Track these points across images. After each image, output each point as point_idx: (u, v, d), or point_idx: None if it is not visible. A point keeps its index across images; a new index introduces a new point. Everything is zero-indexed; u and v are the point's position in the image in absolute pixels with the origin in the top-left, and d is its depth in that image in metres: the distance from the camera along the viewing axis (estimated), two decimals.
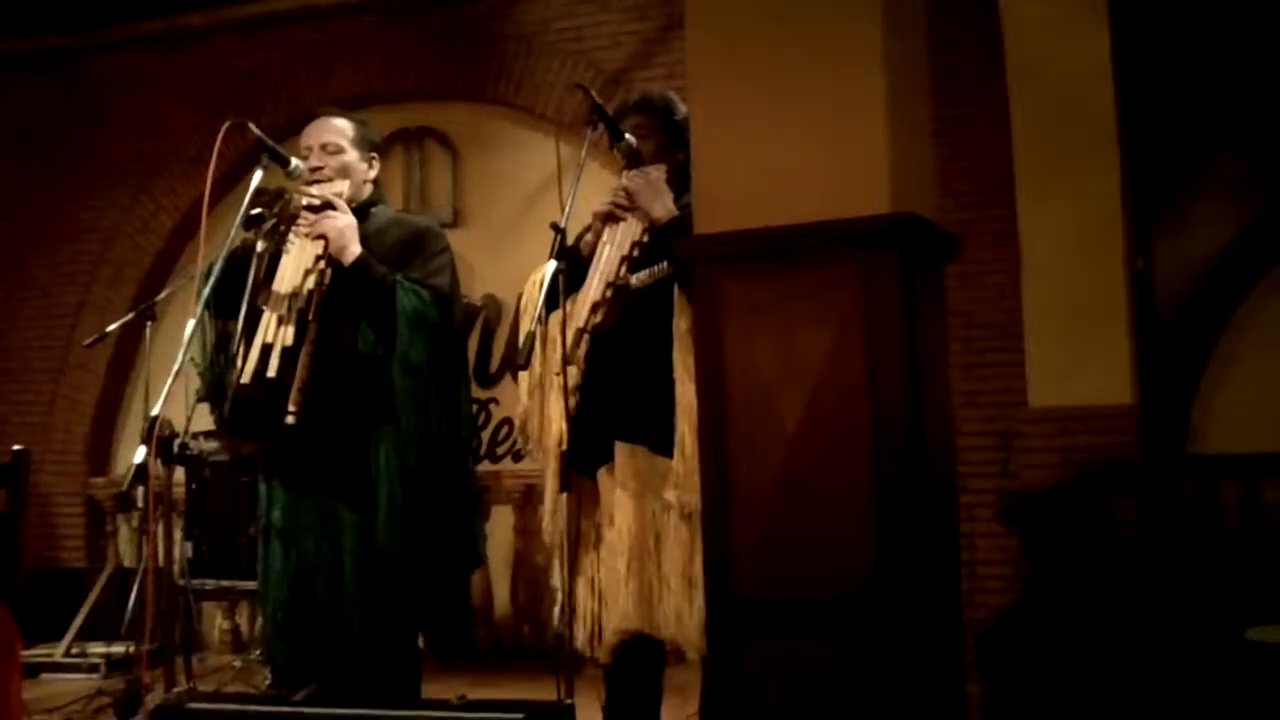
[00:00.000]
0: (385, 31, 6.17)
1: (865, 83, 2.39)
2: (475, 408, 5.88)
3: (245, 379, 3.29)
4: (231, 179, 4.73)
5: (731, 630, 2.53)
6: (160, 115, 6.31)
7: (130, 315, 5.17)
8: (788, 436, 2.35)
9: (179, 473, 5.31)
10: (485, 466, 5.81)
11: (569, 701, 2.30)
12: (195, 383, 3.54)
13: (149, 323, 4.67)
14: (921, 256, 2.47)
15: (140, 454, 3.08)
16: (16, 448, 4.27)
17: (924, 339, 2.43)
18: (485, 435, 5.91)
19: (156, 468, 3.21)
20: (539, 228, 4.24)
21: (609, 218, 3.61)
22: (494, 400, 5.99)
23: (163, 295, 4.84)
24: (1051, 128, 4.86)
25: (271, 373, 3.28)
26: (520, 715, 2.24)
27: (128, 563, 6.29)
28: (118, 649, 5.63)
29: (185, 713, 2.45)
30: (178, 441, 5.04)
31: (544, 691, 3.39)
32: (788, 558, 2.37)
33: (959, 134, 5.12)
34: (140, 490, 5.51)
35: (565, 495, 3.29)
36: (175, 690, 2.86)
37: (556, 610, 3.38)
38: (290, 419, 3.35)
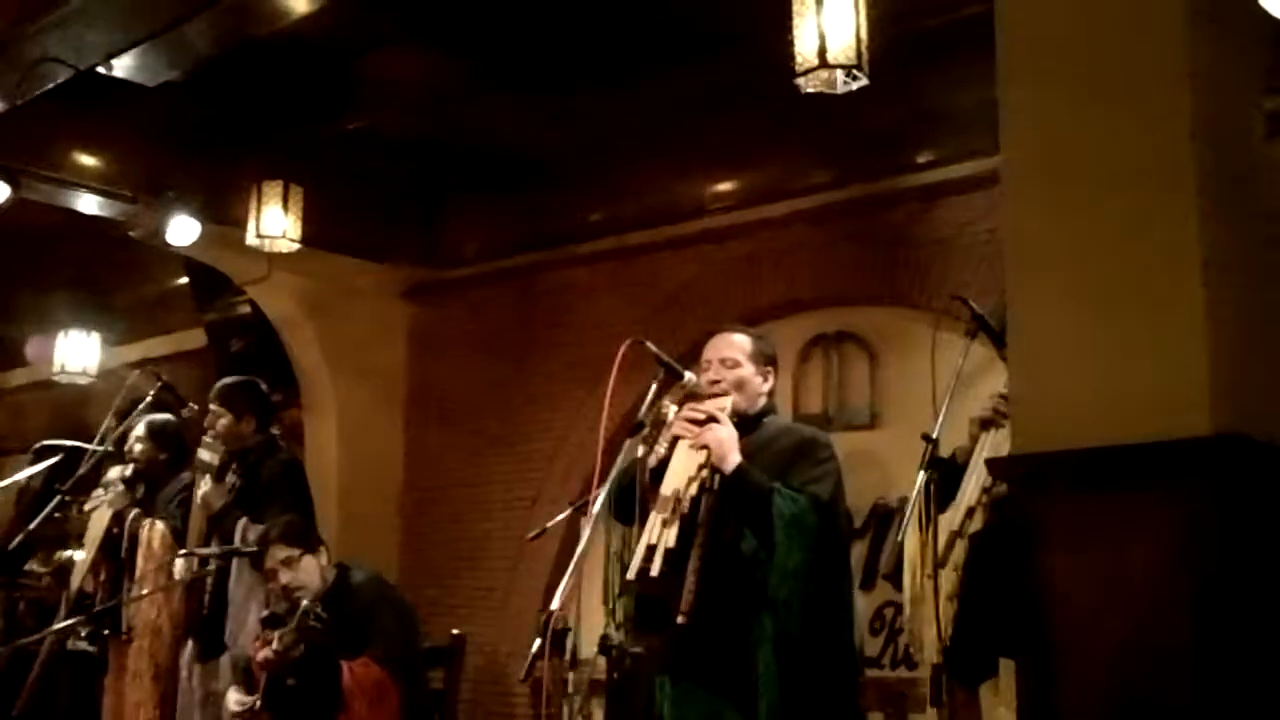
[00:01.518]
0: (810, 240, 6.41)
1: (1184, 297, 2.33)
2: (892, 611, 5.84)
3: (631, 574, 3.54)
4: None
5: None
6: (604, 324, 6.79)
7: (567, 513, 5.62)
8: (1111, 659, 2.26)
9: (601, 662, 5.64)
10: (901, 673, 5.72)
11: None
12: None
13: (582, 519, 5.06)
14: (1250, 481, 2.33)
15: (536, 645, 3.38)
16: (454, 632, 4.75)
17: (1253, 568, 2.28)
18: (901, 640, 5.82)
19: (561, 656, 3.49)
20: (956, 429, 4.28)
21: (986, 424, 3.65)
22: None
23: (593, 496, 5.21)
24: None
25: (654, 572, 3.50)
26: None
27: None
28: None
29: None
30: (601, 634, 5.39)
31: None
32: None
33: None
34: (570, 676, 5.93)
35: (936, 710, 3.28)
36: None
37: None
38: (681, 620, 3.56)
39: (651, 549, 3.49)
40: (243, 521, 4.82)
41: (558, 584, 6.94)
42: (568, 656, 5.87)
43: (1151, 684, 2.23)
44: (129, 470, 5.32)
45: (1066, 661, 2.32)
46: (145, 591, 4.97)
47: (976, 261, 5.87)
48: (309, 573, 4.25)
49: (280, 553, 4.25)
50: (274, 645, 3.93)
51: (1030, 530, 2.42)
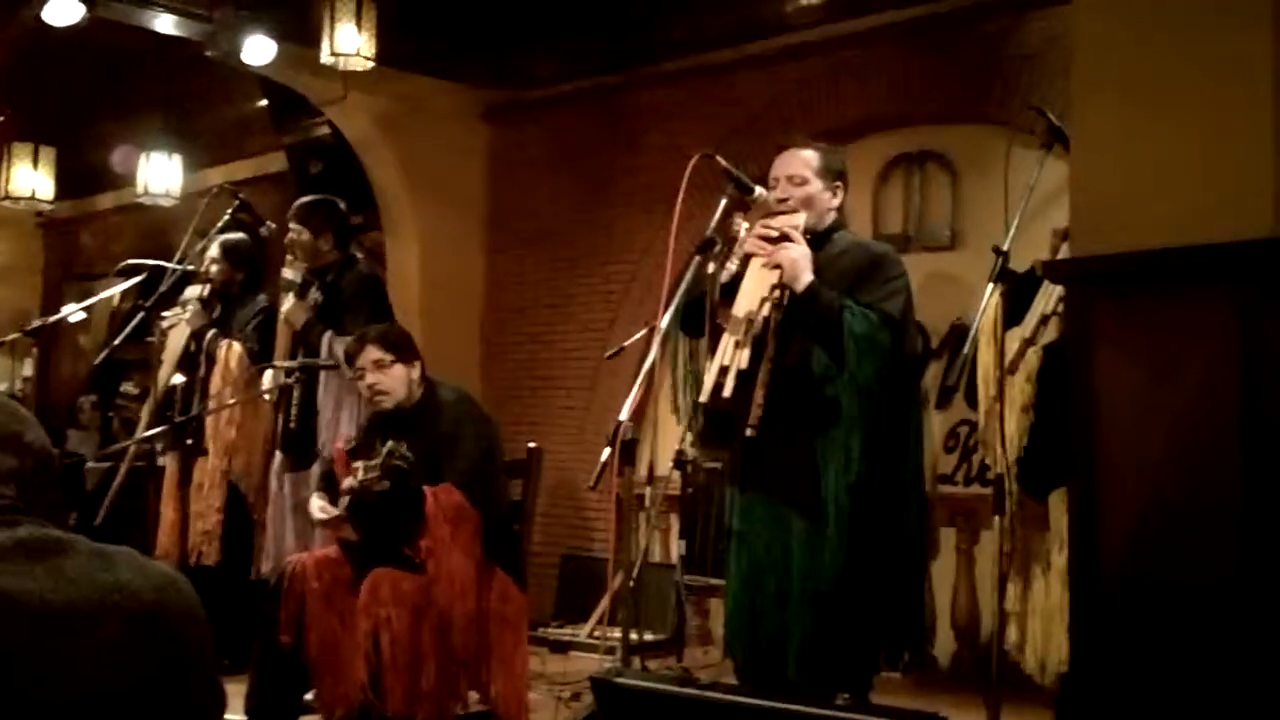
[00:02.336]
0: (893, 56, 6.26)
1: (1250, 96, 2.22)
2: (966, 429, 5.85)
3: (704, 397, 3.56)
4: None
5: (1096, 661, 2.43)
6: (684, 145, 6.70)
7: (644, 331, 5.66)
8: (1155, 464, 2.23)
9: (676, 477, 5.73)
10: (974, 490, 5.75)
11: (943, 716, 2.33)
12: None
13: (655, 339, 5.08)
14: None
15: (605, 455, 3.43)
16: (531, 445, 4.82)
17: None
18: (975, 458, 5.84)
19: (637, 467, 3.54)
20: (1035, 246, 4.21)
21: (1066, 235, 3.61)
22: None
23: (662, 311, 5.22)
24: None
25: (726, 392, 3.52)
26: None
27: (655, 558, 6.80)
28: (635, 636, 6.09)
29: (613, 685, 2.73)
30: (675, 449, 5.45)
31: (976, 714, 3.40)
32: (1151, 586, 2.25)
33: None
34: (648, 491, 6.04)
35: (999, 517, 3.31)
36: (610, 665, 3.16)
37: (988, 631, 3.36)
38: (750, 432, 3.59)
39: (724, 370, 3.50)
40: (328, 335, 4.90)
41: (640, 402, 7.09)
42: (642, 470, 5.97)
43: (1192, 499, 2.20)
44: (205, 290, 5.41)
45: (1108, 475, 2.30)
46: (230, 402, 5.09)
47: (1067, 77, 5.68)
48: (397, 380, 4.28)
49: (374, 353, 4.27)
50: (359, 476, 4.00)
51: (1081, 337, 2.39)
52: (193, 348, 5.32)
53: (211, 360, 5.22)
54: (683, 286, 3.56)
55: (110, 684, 1.37)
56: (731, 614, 3.80)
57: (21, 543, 1.39)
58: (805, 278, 3.53)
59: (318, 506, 4.28)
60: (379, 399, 4.28)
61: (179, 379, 5.34)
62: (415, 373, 4.34)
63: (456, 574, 4.05)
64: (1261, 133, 2.26)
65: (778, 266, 3.57)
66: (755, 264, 3.63)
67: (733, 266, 3.64)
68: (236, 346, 5.22)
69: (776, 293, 3.57)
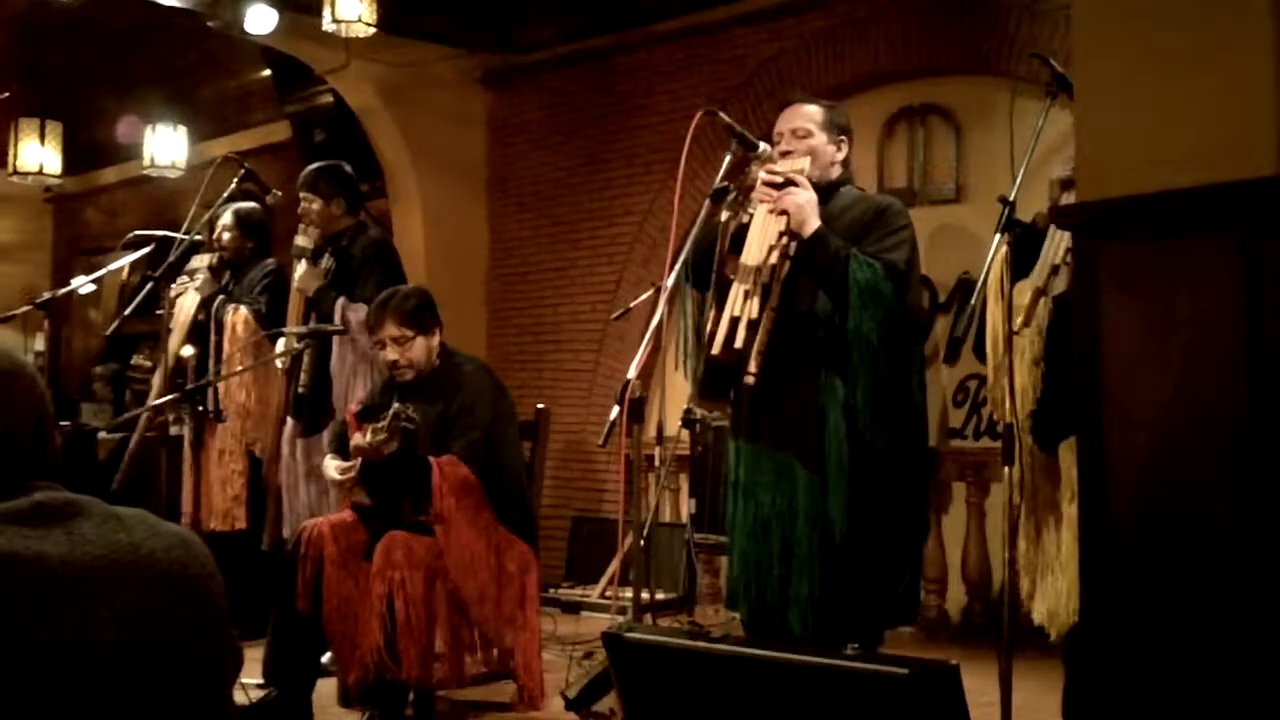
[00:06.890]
0: (893, 11, 6.23)
1: (1252, 37, 2.21)
2: (976, 384, 5.86)
3: (715, 350, 3.55)
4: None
5: (1106, 610, 2.44)
6: (684, 104, 6.70)
7: (649, 293, 5.67)
8: (1161, 406, 2.24)
9: (685, 435, 5.75)
10: (984, 444, 5.77)
11: (954, 663, 2.34)
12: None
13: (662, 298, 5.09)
14: None
15: (613, 413, 3.44)
16: (539, 406, 4.85)
17: None
18: (985, 411, 5.85)
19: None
20: (1039, 197, 4.20)
21: (1067, 184, 3.59)
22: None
23: (668, 266, 5.21)
24: None
25: (738, 344, 3.51)
26: (905, 670, 2.31)
27: (665, 518, 6.82)
28: (646, 595, 6.12)
29: (624, 640, 2.74)
30: (684, 407, 5.45)
31: (987, 666, 3.41)
32: (1160, 531, 2.26)
33: None
34: (657, 450, 6.05)
35: (1009, 468, 3.31)
36: (621, 621, 3.18)
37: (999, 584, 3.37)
38: (749, 379, 3.59)
39: (735, 321, 3.48)
40: (340, 301, 4.91)
41: (648, 363, 7.08)
42: (651, 429, 5.98)
43: (1199, 442, 2.20)
44: (215, 259, 5.44)
45: (1115, 420, 2.30)
46: (238, 369, 5.11)
47: (1066, 25, 5.65)
48: (418, 352, 4.29)
49: (393, 329, 4.27)
50: (367, 438, 4.02)
51: (1087, 282, 2.39)
52: (201, 316, 5.34)
53: (221, 327, 5.24)
54: (693, 236, 3.56)
55: (129, 644, 1.39)
56: (736, 567, 3.78)
57: (39, 505, 1.41)
58: (812, 222, 3.51)
59: (333, 467, 4.31)
60: (401, 373, 4.29)
61: (189, 350, 5.35)
62: (435, 340, 4.34)
63: (465, 547, 4.07)
64: (1264, 73, 2.25)
65: (784, 212, 3.55)
66: (761, 210, 3.60)
67: (746, 217, 3.61)
68: (243, 310, 5.23)
69: (785, 240, 3.55)
